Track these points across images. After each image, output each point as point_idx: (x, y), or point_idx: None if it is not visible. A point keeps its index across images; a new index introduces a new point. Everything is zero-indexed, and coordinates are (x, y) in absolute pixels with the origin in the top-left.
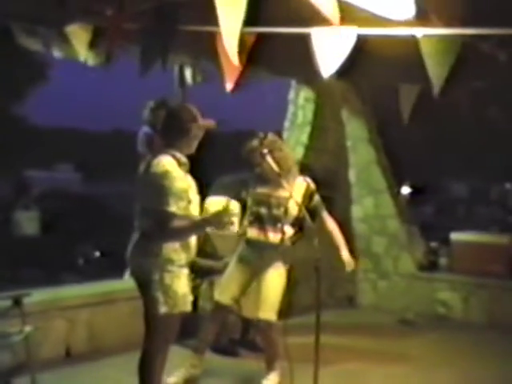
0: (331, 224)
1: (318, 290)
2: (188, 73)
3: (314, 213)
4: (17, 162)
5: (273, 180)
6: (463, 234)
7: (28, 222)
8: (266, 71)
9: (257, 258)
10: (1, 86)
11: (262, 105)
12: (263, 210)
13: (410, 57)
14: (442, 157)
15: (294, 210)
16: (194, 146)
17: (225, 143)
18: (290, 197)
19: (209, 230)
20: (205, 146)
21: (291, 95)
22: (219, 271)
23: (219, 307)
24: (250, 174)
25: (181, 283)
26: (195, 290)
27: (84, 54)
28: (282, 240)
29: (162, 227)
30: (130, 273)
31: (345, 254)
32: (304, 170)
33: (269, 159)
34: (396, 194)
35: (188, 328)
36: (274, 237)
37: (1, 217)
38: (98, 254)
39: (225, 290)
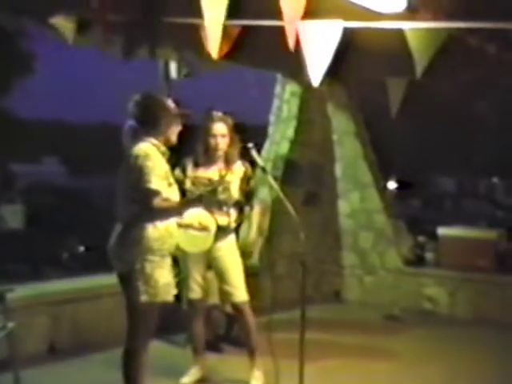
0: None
1: (303, 284)
2: (173, 67)
3: (249, 197)
4: (1, 156)
5: (214, 163)
6: (450, 228)
7: (12, 216)
8: (251, 64)
9: (203, 244)
10: None
11: (246, 98)
12: (208, 194)
13: (396, 50)
14: (429, 151)
15: (235, 193)
16: (172, 136)
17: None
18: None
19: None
20: (187, 140)
21: (277, 89)
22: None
23: (193, 304)
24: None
25: (163, 272)
26: (179, 284)
27: (72, 41)
28: (229, 223)
29: (147, 204)
30: (112, 264)
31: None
32: (290, 164)
33: (254, 153)
34: (382, 189)
35: (171, 323)
36: (221, 220)
37: None
38: (82, 248)
39: (189, 283)
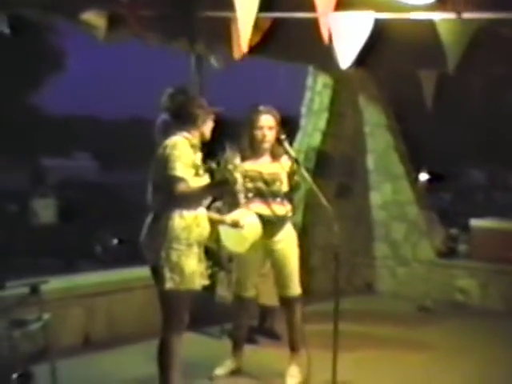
0: None
1: (336, 276)
2: (205, 59)
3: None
4: (34, 151)
5: (261, 156)
6: (483, 220)
7: (45, 211)
8: (283, 58)
9: (264, 236)
10: (17, 76)
11: (276, 91)
12: (261, 186)
13: (427, 42)
14: (461, 143)
15: (284, 185)
16: (206, 133)
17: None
18: (282, 172)
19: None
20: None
21: (309, 81)
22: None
23: (242, 300)
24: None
25: (189, 261)
26: (212, 277)
27: (103, 37)
28: (286, 212)
29: (172, 190)
30: (144, 255)
31: None
32: (322, 156)
33: (286, 145)
34: (414, 181)
35: (206, 315)
36: (279, 209)
37: (18, 206)
38: (115, 241)
39: (244, 282)
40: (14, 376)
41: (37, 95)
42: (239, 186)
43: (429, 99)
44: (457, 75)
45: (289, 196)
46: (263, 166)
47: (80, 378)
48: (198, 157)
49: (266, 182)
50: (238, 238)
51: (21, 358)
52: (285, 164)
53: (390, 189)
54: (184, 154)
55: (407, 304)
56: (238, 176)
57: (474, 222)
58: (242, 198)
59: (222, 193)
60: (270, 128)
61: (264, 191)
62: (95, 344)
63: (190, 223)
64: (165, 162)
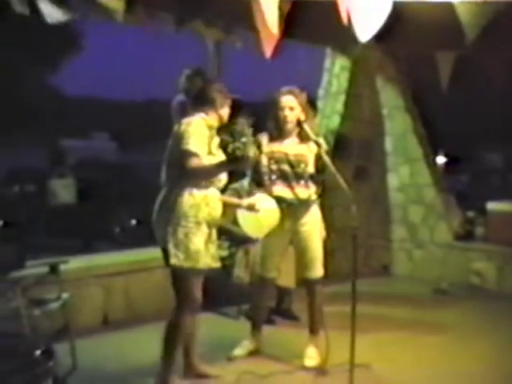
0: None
1: (354, 258)
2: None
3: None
4: (52, 132)
5: (287, 137)
6: (500, 203)
7: (64, 191)
8: (302, 40)
9: (289, 218)
10: (36, 57)
11: (295, 73)
12: (286, 168)
13: (446, 23)
14: (477, 126)
15: (311, 167)
16: (224, 117)
17: (259, 112)
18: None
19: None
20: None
21: (327, 64)
22: (254, 240)
23: (264, 281)
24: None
25: (195, 239)
26: (230, 258)
27: (120, 19)
28: (309, 195)
29: (184, 165)
30: (155, 233)
31: None
32: (340, 138)
33: (306, 127)
34: (432, 163)
35: (223, 296)
36: (302, 192)
37: (37, 186)
38: (133, 222)
39: (267, 263)
40: (37, 353)
41: (56, 76)
42: (264, 167)
43: (445, 81)
44: (475, 57)
45: (316, 178)
46: (289, 147)
47: (99, 356)
48: (214, 139)
49: (291, 164)
50: (254, 222)
51: (41, 337)
52: (312, 146)
53: (407, 171)
54: (199, 131)
55: (424, 286)
56: (251, 152)
57: (491, 205)
58: (266, 179)
59: (236, 169)
60: (291, 108)
61: (288, 173)
62: (113, 323)
63: (199, 202)
64: (179, 138)
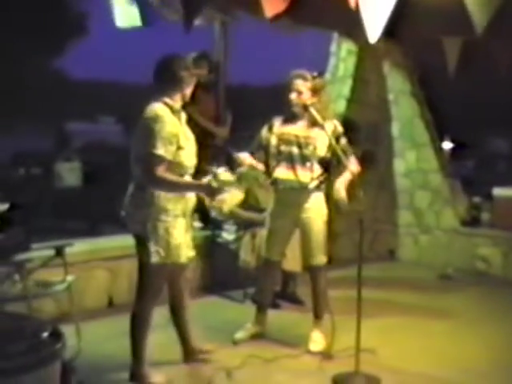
0: (352, 166)
1: (360, 242)
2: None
3: (341, 156)
4: (58, 115)
5: (300, 120)
6: (506, 189)
7: (70, 174)
8: (308, 24)
9: (292, 202)
10: (41, 40)
11: (300, 57)
12: (294, 149)
13: (453, 8)
14: (483, 111)
15: (321, 150)
16: (187, 93)
17: (262, 97)
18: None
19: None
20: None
21: (333, 48)
22: (261, 223)
23: (269, 264)
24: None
25: (175, 233)
26: (237, 242)
27: None
28: (312, 178)
29: (149, 171)
30: (127, 225)
31: (339, 182)
32: (346, 123)
33: (312, 110)
34: (439, 149)
35: (229, 279)
36: (303, 175)
37: (43, 169)
38: None
39: (272, 246)
40: (45, 334)
41: (61, 59)
42: (272, 148)
43: (452, 66)
44: (481, 42)
45: (326, 161)
46: (300, 129)
47: (103, 339)
48: (181, 121)
49: (300, 145)
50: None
51: (47, 319)
52: (328, 129)
53: (414, 156)
54: (164, 128)
55: (429, 272)
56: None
57: (497, 191)
58: (272, 160)
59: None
60: (299, 91)
61: (294, 155)
62: (118, 306)
63: (177, 195)
64: (144, 136)
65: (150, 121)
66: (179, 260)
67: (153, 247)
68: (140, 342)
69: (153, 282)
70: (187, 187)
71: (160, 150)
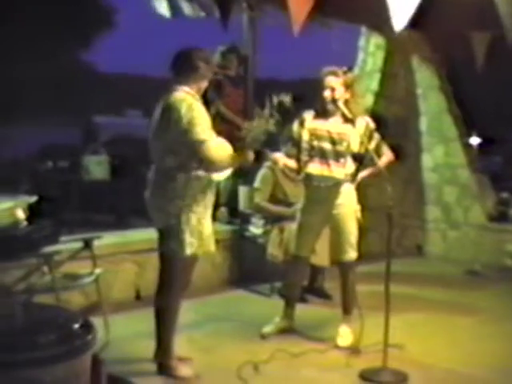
0: (384, 158)
1: (389, 237)
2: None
3: (376, 152)
4: (86, 108)
5: (332, 116)
6: None
7: (97, 167)
8: (337, 18)
9: (324, 198)
10: (69, 33)
11: (328, 52)
12: (327, 145)
13: (482, 4)
14: (510, 107)
15: (354, 146)
16: (202, 87)
17: (291, 91)
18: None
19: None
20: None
21: (361, 42)
22: (289, 217)
23: (298, 260)
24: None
25: (206, 224)
26: (265, 235)
27: None
28: (345, 175)
29: (207, 157)
30: (152, 216)
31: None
32: (375, 117)
33: (340, 105)
34: (467, 144)
35: (256, 273)
36: (337, 171)
37: (70, 162)
38: None
39: (302, 243)
40: (76, 326)
41: (89, 52)
42: (304, 143)
43: (480, 61)
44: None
45: (359, 157)
46: (333, 125)
47: (131, 332)
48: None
49: (333, 142)
50: None
51: (77, 311)
52: (359, 125)
53: (442, 151)
54: (201, 114)
55: (457, 267)
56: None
57: None
58: (305, 155)
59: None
60: (332, 88)
61: (328, 151)
62: (146, 299)
63: (206, 184)
64: (184, 125)
65: (187, 109)
66: (210, 249)
67: (188, 239)
68: (168, 334)
69: (183, 274)
70: (233, 161)
71: (205, 135)
